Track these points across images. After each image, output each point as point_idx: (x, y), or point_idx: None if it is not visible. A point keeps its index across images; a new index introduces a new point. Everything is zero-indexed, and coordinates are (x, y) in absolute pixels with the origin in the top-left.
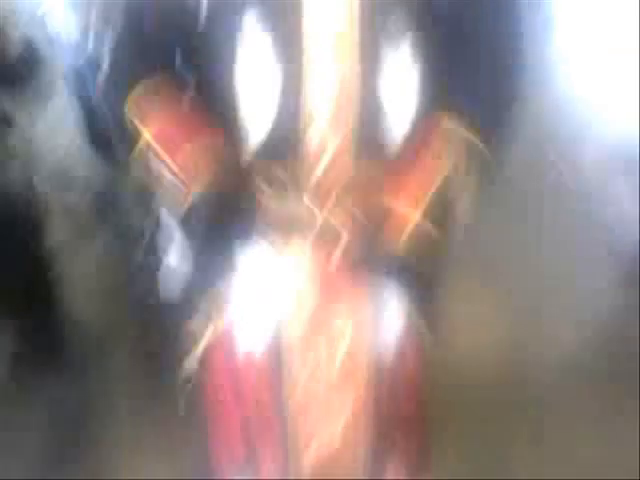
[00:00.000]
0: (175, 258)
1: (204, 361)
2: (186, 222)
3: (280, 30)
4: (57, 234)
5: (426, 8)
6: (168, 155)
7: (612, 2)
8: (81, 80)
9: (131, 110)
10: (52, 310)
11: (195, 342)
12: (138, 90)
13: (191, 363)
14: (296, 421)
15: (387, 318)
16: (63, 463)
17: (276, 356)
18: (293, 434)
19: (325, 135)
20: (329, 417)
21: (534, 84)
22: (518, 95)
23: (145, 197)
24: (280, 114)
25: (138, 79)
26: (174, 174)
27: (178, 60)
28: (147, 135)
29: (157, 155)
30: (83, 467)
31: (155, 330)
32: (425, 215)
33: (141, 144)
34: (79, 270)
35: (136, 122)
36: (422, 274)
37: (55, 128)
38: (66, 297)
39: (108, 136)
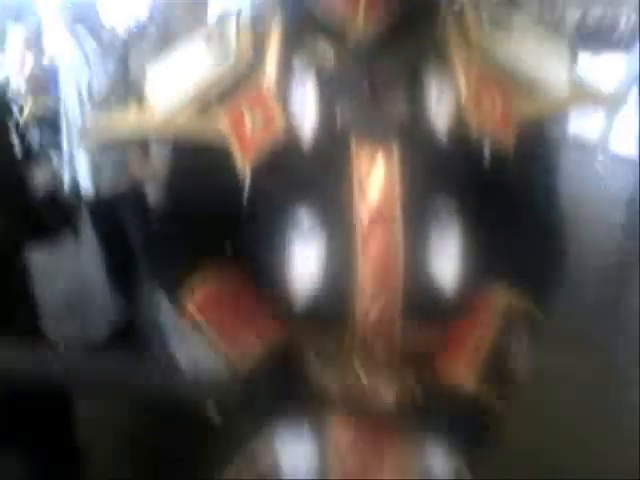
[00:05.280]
0: None
1: None
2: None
3: (328, 211)
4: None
5: (468, 177)
6: (220, 337)
7: None
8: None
9: (186, 299)
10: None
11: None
12: (191, 281)
13: None
14: None
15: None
16: None
17: None
18: None
19: (372, 305)
20: None
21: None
22: (564, 255)
23: None
24: (328, 289)
25: (190, 271)
26: (223, 351)
27: (227, 249)
28: (202, 322)
29: (209, 336)
30: None
31: None
32: (478, 378)
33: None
34: None
35: (192, 311)
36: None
37: None
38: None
39: None
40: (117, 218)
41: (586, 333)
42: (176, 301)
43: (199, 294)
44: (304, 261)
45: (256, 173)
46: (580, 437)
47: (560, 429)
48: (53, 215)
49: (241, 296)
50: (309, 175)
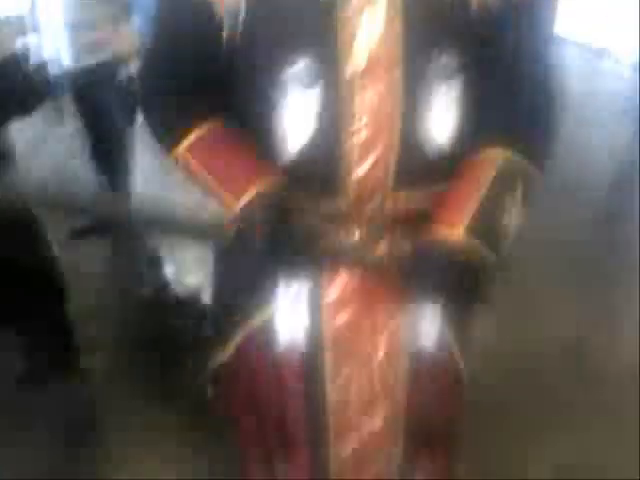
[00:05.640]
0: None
1: (238, 354)
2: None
3: (320, 50)
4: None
5: (467, 27)
6: (219, 187)
7: None
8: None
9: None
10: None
11: (228, 335)
12: (188, 137)
13: (222, 356)
14: (330, 418)
15: (423, 329)
16: (75, 463)
17: (314, 353)
18: (327, 430)
19: (366, 156)
20: (364, 415)
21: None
22: (560, 113)
23: None
24: (322, 139)
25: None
26: (223, 204)
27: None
28: (202, 173)
29: (209, 187)
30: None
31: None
32: (470, 231)
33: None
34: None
35: (183, 154)
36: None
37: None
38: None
39: None
40: (101, 95)
41: (581, 191)
42: (170, 149)
43: (192, 136)
44: (298, 112)
45: (247, 21)
46: (571, 294)
47: (551, 285)
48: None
49: (233, 144)
50: (303, 22)
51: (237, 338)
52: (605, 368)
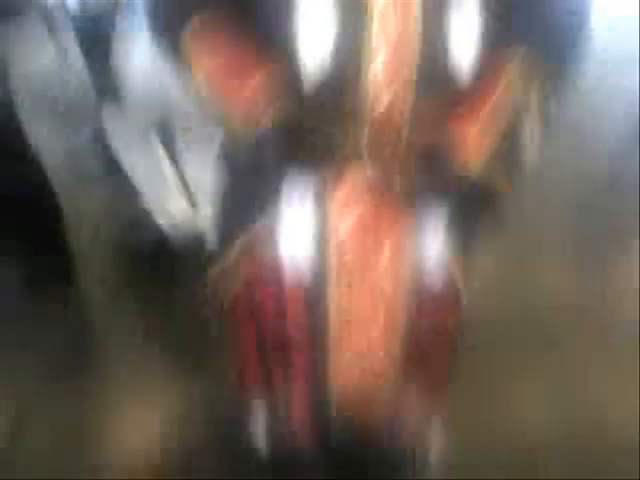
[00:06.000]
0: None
1: (239, 259)
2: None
3: None
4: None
5: None
6: (226, 91)
7: None
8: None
9: (186, 46)
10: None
11: (230, 240)
12: (192, 25)
13: (223, 262)
14: (330, 323)
15: (425, 242)
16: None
17: (318, 258)
18: (327, 335)
19: (388, 71)
20: (364, 321)
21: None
22: (583, 31)
23: None
24: (341, 51)
25: (191, 14)
26: (231, 109)
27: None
28: (204, 71)
29: (215, 91)
30: (91, 389)
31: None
32: (486, 164)
33: (197, 81)
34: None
35: (192, 58)
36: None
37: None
38: (72, 220)
39: None
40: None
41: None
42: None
43: (199, 37)
44: (316, 33)
45: None
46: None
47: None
48: None
49: (246, 44)
50: None
51: (239, 243)
52: (605, 303)
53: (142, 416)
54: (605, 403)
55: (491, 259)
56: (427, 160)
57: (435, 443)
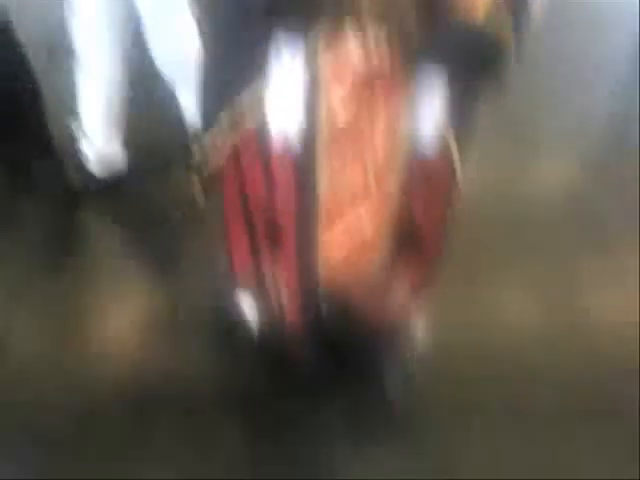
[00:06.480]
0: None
1: (226, 136)
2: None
3: None
4: None
5: None
6: None
7: None
8: None
9: None
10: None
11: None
12: None
13: (210, 137)
14: (318, 211)
15: (422, 121)
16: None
17: (304, 142)
18: (315, 217)
19: None
20: (353, 203)
21: None
22: None
23: None
24: None
25: None
26: None
27: None
28: None
29: None
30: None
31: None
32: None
33: None
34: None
35: None
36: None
37: None
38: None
39: None
40: None
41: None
42: None
43: None
44: None
45: None
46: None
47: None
48: None
49: None
50: None
51: (225, 115)
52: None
53: (132, 305)
54: (595, 306)
55: (488, 135)
56: (429, 9)
57: (420, 325)
